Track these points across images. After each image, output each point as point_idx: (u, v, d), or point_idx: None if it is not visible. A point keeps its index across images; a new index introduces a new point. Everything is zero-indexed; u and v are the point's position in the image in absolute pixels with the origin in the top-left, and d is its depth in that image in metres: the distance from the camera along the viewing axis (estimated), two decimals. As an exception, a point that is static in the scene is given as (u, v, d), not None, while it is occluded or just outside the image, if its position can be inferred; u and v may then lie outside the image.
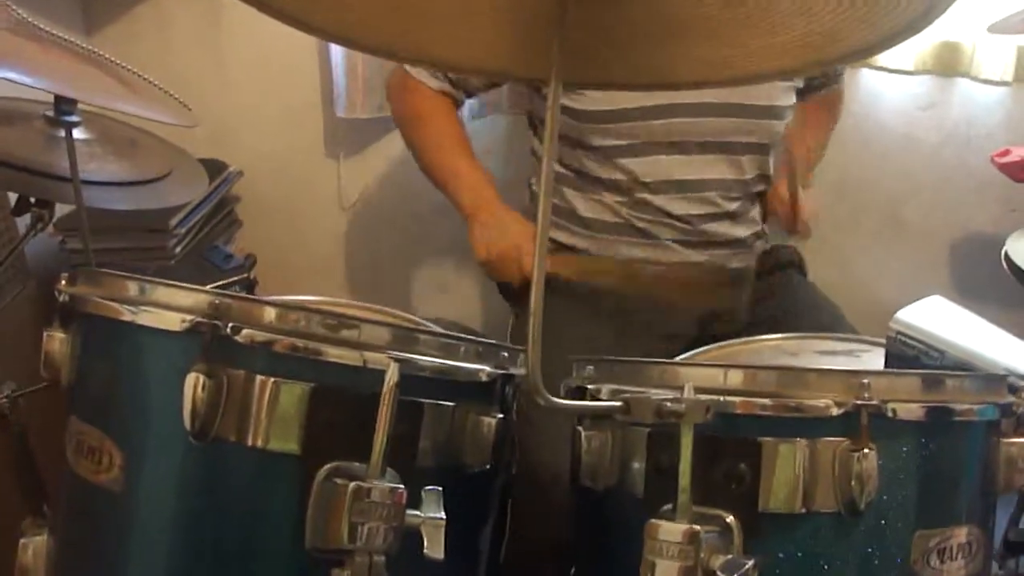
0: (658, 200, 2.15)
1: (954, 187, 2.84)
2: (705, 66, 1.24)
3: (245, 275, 2.49)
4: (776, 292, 2.23)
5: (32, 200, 1.78)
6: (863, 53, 1.16)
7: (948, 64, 2.70)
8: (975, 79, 2.69)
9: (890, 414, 1.12)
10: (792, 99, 2.20)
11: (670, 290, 2.16)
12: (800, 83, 2.24)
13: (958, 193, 2.84)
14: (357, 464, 1.09)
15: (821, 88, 2.42)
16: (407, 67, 2.26)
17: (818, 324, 1.97)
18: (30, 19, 1.63)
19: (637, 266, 2.18)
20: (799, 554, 1.13)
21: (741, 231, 2.23)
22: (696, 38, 1.15)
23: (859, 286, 2.67)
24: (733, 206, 2.19)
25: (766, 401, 1.13)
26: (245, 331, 1.13)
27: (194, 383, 1.12)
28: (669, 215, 2.15)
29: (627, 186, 2.15)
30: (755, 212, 2.28)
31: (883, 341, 1.44)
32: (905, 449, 1.15)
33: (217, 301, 1.15)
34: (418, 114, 2.30)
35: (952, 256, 2.91)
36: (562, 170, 2.20)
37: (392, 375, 1.09)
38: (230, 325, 1.13)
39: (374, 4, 1.15)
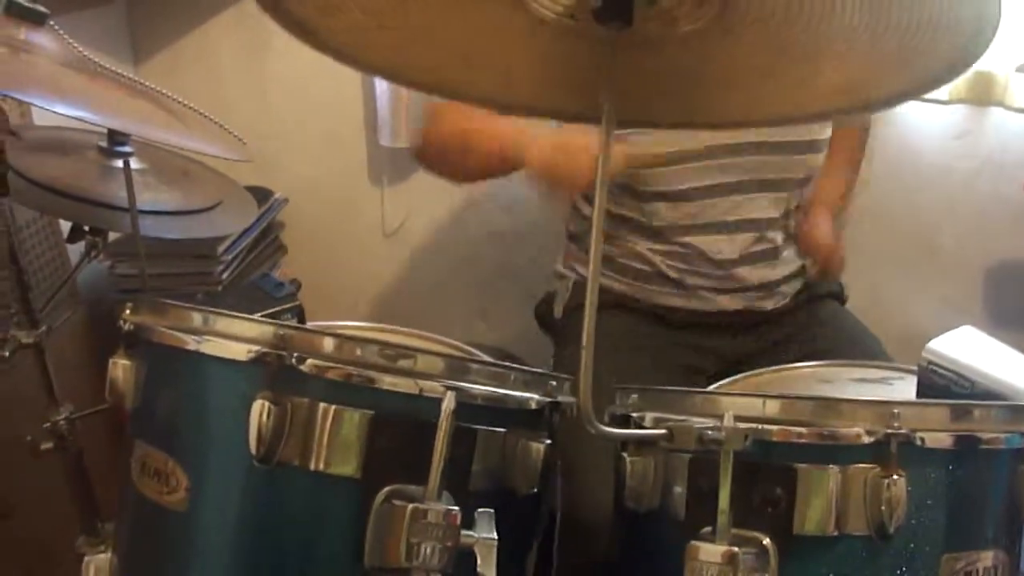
0: (691, 242, 2.12)
1: (988, 215, 2.85)
2: (746, 108, 1.28)
3: (297, 303, 2.55)
4: (817, 323, 2.22)
5: (86, 228, 1.82)
6: (898, 99, 1.20)
7: (982, 93, 2.71)
8: (1009, 108, 2.70)
9: (919, 442, 1.15)
10: (828, 131, 2.18)
11: (700, 330, 2.17)
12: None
13: (992, 221, 2.85)
14: (413, 487, 1.14)
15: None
16: None
17: (858, 356, 1.97)
18: (85, 53, 1.69)
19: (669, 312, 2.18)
20: (831, 575, 1.17)
21: (777, 272, 2.20)
22: (739, 82, 1.19)
23: (894, 313, 2.69)
24: (771, 245, 2.17)
25: (801, 429, 1.17)
26: (309, 361, 1.18)
27: (260, 410, 1.15)
28: (703, 259, 2.13)
29: (661, 230, 2.13)
30: (792, 251, 2.24)
31: (916, 369, 1.48)
32: (933, 476, 1.18)
33: (282, 332, 1.19)
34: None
35: (986, 284, 2.91)
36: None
37: (449, 403, 1.14)
38: (295, 355, 1.17)
39: (427, 45, 1.19)
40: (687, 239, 2.13)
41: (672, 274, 2.15)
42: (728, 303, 2.16)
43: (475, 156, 2.13)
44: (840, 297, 2.35)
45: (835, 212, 2.38)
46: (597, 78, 1.10)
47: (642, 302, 2.19)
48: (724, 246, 2.13)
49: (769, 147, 2.08)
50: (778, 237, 2.19)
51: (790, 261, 2.25)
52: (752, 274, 2.16)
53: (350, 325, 1.85)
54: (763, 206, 2.14)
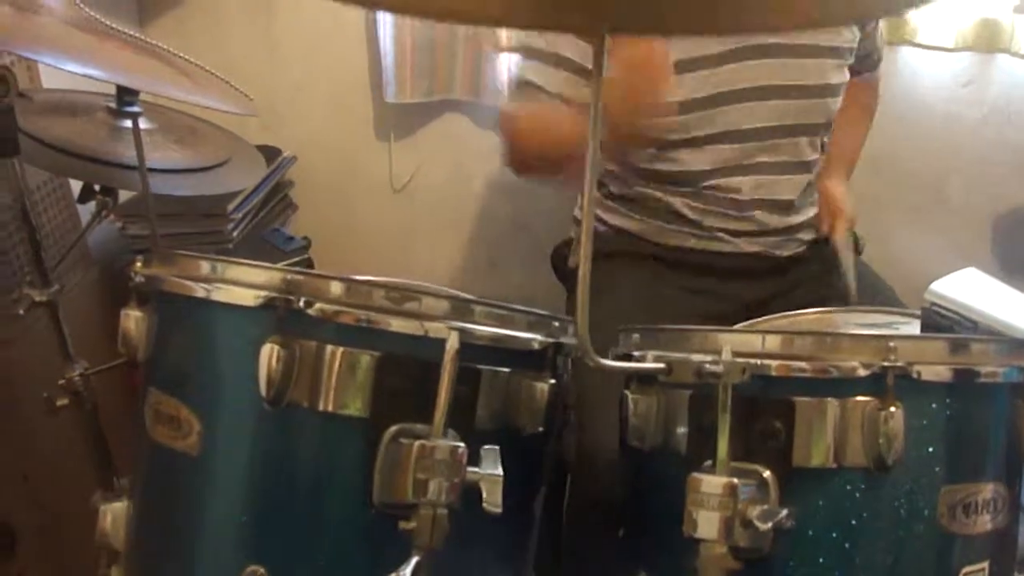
0: (709, 185, 2.12)
1: (994, 163, 2.86)
2: (760, 12, 1.26)
3: (306, 256, 2.57)
4: (831, 273, 2.21)
5: (96, 188, 1.85)
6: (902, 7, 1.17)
7: (988, 41, 2.72)
8: (1015, 55, 2.71)
9: (915, 375, 1.17)
10: (844, 77, 2.17)
11: (716, 276, 2.17)
12: (850, 60, 2.20)
13: (998, 169, 2.86)
14: (420, 426, 1.17)
15: (860, 72, 2.35)
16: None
17: (871, 303, 1.97)
18: (93, 14, 1.69)
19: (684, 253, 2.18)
20: (831, 506, 1.19)
21: (794, 219, 2.20)
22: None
23: (900, 261, 2.69)
24: (789, 192, 2.17)
25: (799, 363, 1.19)
26: (317, 305, 1.20)
27: (269, 354, 1.18)
28: (722, 202, 2.13)
29: (679, 176, 2.12)
30: (813, 198, 2.26)
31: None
32: (931, 409, 1.20)
33: (289, 277, 1.21)
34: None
35: (993, 231, 2.93)
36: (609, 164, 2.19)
37: (453, 343, 1.16)
38: (302, 300, 1.19)
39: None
40: (705, 183, 2.12)
41: (691, 215, 2.15)
42: (745, 246, 2.16)
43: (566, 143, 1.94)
44: (856, 248, 2.34)
45: (849, 167, 2.42)
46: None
47: (658, 245, 2.19)
48: (743, 188, 2.13)
49: (783, 91, 2.08)
50: (796, 183, 2.19)
51: (808, 209, 2.26)
52: (770, 219, 2.16)
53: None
54: (779, 151, 2.14)
